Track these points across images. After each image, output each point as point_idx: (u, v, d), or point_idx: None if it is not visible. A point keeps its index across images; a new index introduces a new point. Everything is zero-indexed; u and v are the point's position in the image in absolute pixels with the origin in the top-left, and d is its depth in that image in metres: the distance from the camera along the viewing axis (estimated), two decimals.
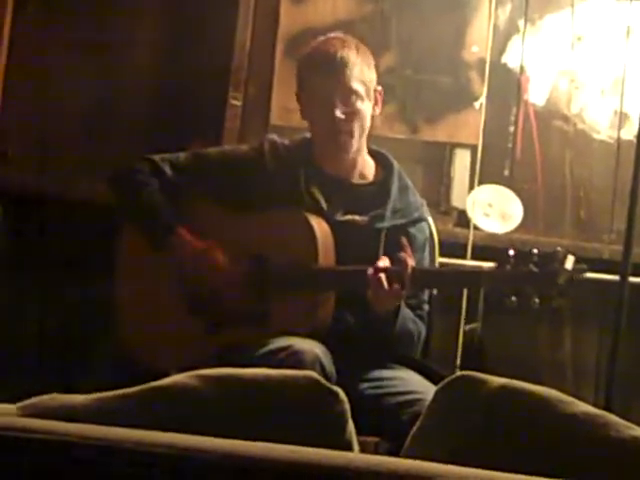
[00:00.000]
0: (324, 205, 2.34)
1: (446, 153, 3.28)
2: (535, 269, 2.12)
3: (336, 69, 2.29)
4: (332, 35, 2.41)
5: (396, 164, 2.43)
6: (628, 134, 3.21)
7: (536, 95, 3.26)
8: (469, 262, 3.02)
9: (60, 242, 3.13)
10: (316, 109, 2.32)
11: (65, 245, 3.12)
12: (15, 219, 3.12)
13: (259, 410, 1.13)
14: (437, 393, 1.20)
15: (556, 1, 3.26)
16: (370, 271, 2.18)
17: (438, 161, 3.29)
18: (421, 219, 2.40)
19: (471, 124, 3.21)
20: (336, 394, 1.14)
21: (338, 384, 1.19)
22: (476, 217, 3.11)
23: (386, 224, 2.33)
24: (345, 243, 2.30)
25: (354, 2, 3.24)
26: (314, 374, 1.16)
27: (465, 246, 3.07)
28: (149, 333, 2.38)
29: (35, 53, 3.24)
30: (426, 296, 2.39)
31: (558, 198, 3.26)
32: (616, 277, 2.85)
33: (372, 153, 2.43)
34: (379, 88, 2.37)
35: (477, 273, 2.27)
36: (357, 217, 2.34)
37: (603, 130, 3.26)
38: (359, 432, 1.19)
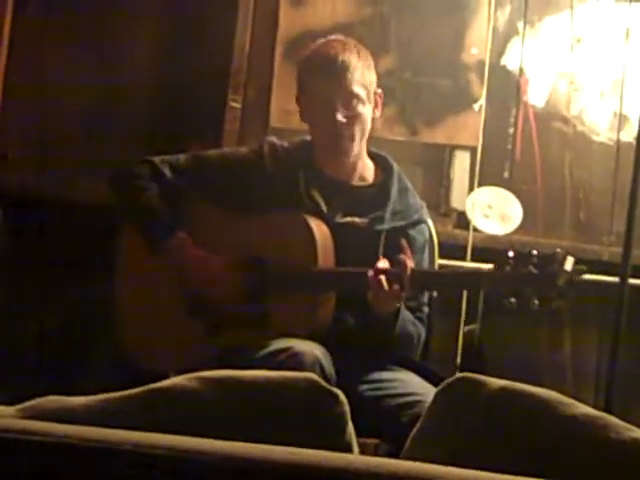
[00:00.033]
0: (324, 207, 2.34)
1: (446, 155, 3.28)
2: (535, 270, 2.12)
3: (337, 73, 2.29)
4: (332, 37, 2.40)
5: (396, 166, 2.43)
6: (628, 136, 3.21)
7: (535, 97, 3.26)
8: (469, 264, 3.02)
9: (60, 243, 3.13)
10: (317, 112, 2.32)
11: (65, 246, 3.12)
12: (15, 220, 3.12)
13: (259, 412, 1.13)
14: (437, 395, 1.20)
15: (555, 3, 3.26)
16: (370, 273, 2.18)
17: (438, 163, 3.29)
18: (421, 221, 2.40)
19: (471, 126, 3.21)
20: (336, 396, 1.14)
21: (338, 386, 1.19)
22: (476, 219, 3.12)
23: (386, 226, 2.33)
24: (345, 245, 2.30)
25: (353, 5, 3.24)
26: (314, 376, 1.16)
27: (465, 248, 3.07)
28: (148, 334, 2.38)
29: (35, 54, 3.25)
30: (426, 298, 2.39)
31: (558, 200, 3.26)
32: (616, 279, 2.85)
33: (372, 155, 2.43)
34: (379, 91, 2.37)
35: (477, 275, 2.27)
36: (357, 219, 2.34)
37: (603, 132, 3.26)
38: (359, 434, 1.19)
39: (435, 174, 3.29)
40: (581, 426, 1.12)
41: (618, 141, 3.22)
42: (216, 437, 1.03)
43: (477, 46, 3.23)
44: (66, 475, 0.98)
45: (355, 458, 1.04)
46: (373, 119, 2.36)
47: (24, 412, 1.11)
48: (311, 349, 2.12)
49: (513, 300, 2.14)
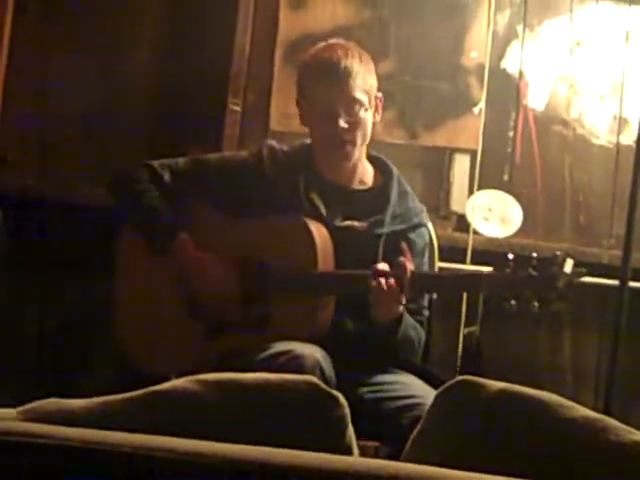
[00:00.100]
0: (323, 211, 2.34)
1: (445, 158, 3.28)
2: (534, 273, 2.13)
3: (340, 79, 2.28)
4: (333, 41, 2.40)
5: (395, 170, 2.43)
6: (627, 139, 3.21)
7: (535, 100, 3.27)
8: (469, 267, 3.02)
9: (60, 244, 3.13)
10: (318, 117, 2.32)
11: (65, 247, 3.13)
12: (15, 223, 3.12)
13: (259, 414, 1.13)
14: (437, 397, 1.20)
15: (555, 6, 3.27)
16: (370, 275, 2.19)
17: (437, 166, 3.29)
18: (420, 224, 2.41)
19: (470, 129, 3.21)
20: (336, 398, 1.14)
21: (338, 388, 1.20)
22: (475, 222, 3.12)
23: (385, 230, 2.33)
24: (344, 249, 2.30)
25: (353, 8, 3.24)
26: (314, 378, 1.16)
27: (465, 251, 3.07)
28: (148, 337, 2.38)
29: (35, 57, 3.25)
30: (426, 301, 2.39)
31: (557, 203, 3.26)
32: (615, 282, 2.85)
33: (371, 159, 2.44)
34: (379, 95, 2.37)
35: (477, 277, 2.27)
36: (356, 223, 2.35)
37: (602, 135, 3.27)
38: (359, 436, 1.19)
39: (435, 177, 3.29)
40: (581, 428, 1.12)
41: (618, 144, 3.22)
42: (216, 440, 1.03)
43: (477, 49, 3.23)
44: (66, 477, 0.98)
45: (355, 460, 1.04)
46: (374, 124, 2.37)
47: (25, 414, 1.11)
48: (311, 352, 2.12)
49: (513, 302, 2.14)
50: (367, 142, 2.36)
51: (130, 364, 2.39)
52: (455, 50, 3.24)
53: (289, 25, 3.23)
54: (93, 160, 3.20)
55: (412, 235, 2.36)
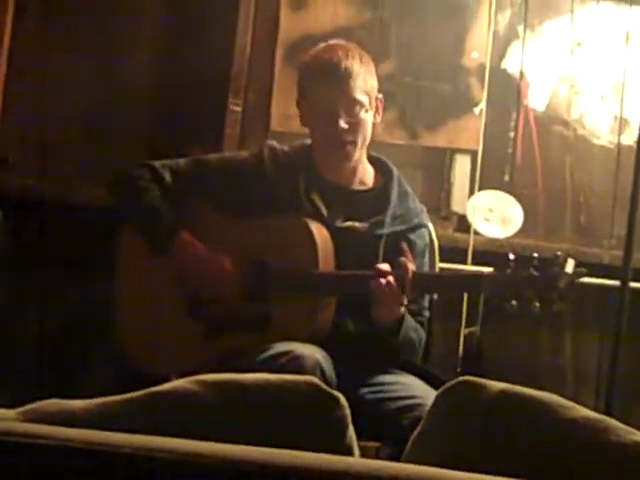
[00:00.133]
0: (324, 211, 2.34)
1: (446, 159, 3.28)
2: (535, 273, 2.13)
3: (340, 80, 2.28)
4: (334, 42, 2.40)
5: (395, 170, 2.43)
6: (628, 139, 3.21)
7: (536, 100, 3.27)
8: (469, 267, 3.02)
9: (60, 244, 3.13)
10: (319, 118, 2.32)
11: (65, 247, 3.13)
12: (16, 223, 3.12)
13: (260, 415, 1.13)
14: (438, 398, 1.20)
15: (555, 7, 3.27)
16: (371, 275, 2.19)
17: (438, 167, 3.29)
18: (421, 225, 2.41)
19: (471, 130, 3.21)
20: (337, 399, 1.14)
21: (339, 389, 1.20)
22: (476, 222, 3.12)
23: (386, 230, 2.33)
24: (345, 249, 2.30)
25: (354, 9, 3.24)
26: (315, 379, 1.16)
27: (465, 251, 3.07)
28: (149, 337, 2.38)
29: (35, 57, 3.25)
30: (426, 302, 2.39)
31: (558, 203, 3.26)
32: (616, 282, 2.85)
33: (372, 160, 2.44)
34: (380, 96, 2.37)
35: (477, 277, 2.27)
36: (357, 223, 2.35)
37: (603, 135, 3.26)
38: (359, 437, 1.19)
39: (436, 178, 3.29)
40: (581, 429, 1.12)
41: (619, 144, 3.23)
42: (217, 440, 1.03)
43: (477, 50, 3.23)
44: (67, 478, 0.98)
45: (356, 461, 1.04)
46: (374, 124, 2.37)
47: (25, 415, 1.11)
48: (312, 352, 2.12)
49: (514, 303, 2.14)
50: (367, 143, 2.36)
51: (130, 364, 2.39)
52: (456, 50, 3.24)
53: (290, 25, 3.23)
54: (93, 160, 3.20)
55: (412, 236, 2.36)
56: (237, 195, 2.37)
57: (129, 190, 2.39)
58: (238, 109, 3.20)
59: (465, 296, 3.02)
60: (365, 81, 2.31)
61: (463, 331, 3.05)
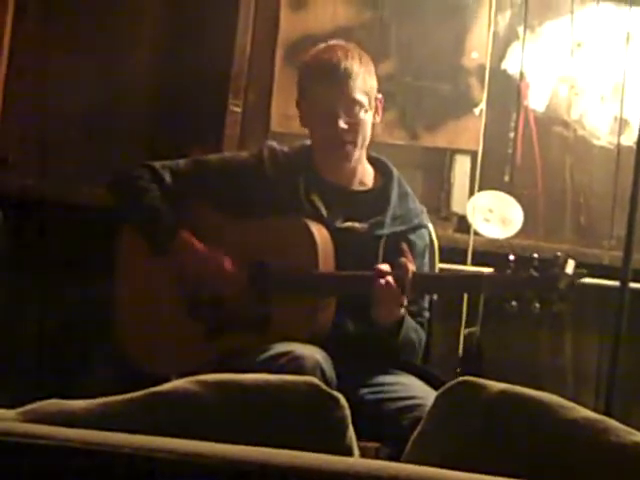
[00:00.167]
0: (324, 212, 2.34)
1: (446, 159, 3.28)
2: (535, 274, 2.13)
3: (340, 80, 2.29)
4: (334, 43, 2.40)
5: (395, 171, 2.43)
6: (628, 140, 3.22)
7: (536, 101, 3.27)
8: (469, 268, 3.02)
9: (60, 244, 3.13)
10: (318, 119, 2.32)
11: (65, 247, 3.13)
12: (16, 223, 3.12)
13: (259, 415, 1.13)
14: (437, 398, 1.20)
15: (556, 7, 3.27)
16: (371, 276, 2.19)
17: (438, 167, 3.29)
18: (421, 226, 2.41)
19: (471, 130, 3.21)
20: (337, 399, 1.14)
21: (338, 389, 1.19)
22: (476, 223, 3.12)
23: (386, 231, 2.33)
24: (345, 250, 2.30)
25: (354, 9, 3.24)
26: (315, 379, 1.16)
27: (465, 252, 3.07)
28: (149, 337, 2.38)
29: (35, 57, 3.25)
30: (426, 303, 2.39)
31: (558, 204, 3.26)
32: (616, 283, 2.85)
33: (371, 160, 2.44)
34: (379, 96, 2.38)
35: (478, 278, 2.27)
36: (357, 224, 2.35)
37: (603, 136, 3.27)
38: (359, 437, 1.19)
39: (436, 178, 3.29)
40: (581, 429, 1.12)
41: (619, 145, 3.23)
42: (217, 440, 1.03)
43: (477, 50, 3.23)
44: (67, 478, 0.98)
45: (356, 461, 1.04)
46: (373, 124, 2.37)
47: (25, 415, 1.11)
48: (312, 353, 2.12)
49: (514, 303, 2.14)
50: (367, 143, 2.36)
51: (130, 364, 2.39)
52: (456, 51, 3.24)
53: (290, 26, 3.23)
54: (93, 160, 3.20)
55: (412, 236, 2.36)
56: (237, 196, 2.37)
57: (129, 190, 2.39)
58: (238, 109, 3.19)
59: (465, 297, 3.02)
60: (364, 81, 2.31)
61: (463, 331, 3.05)
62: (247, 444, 1.03)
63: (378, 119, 2.39)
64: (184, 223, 2.36)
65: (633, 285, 2.86)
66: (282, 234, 2.32)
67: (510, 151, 3.25)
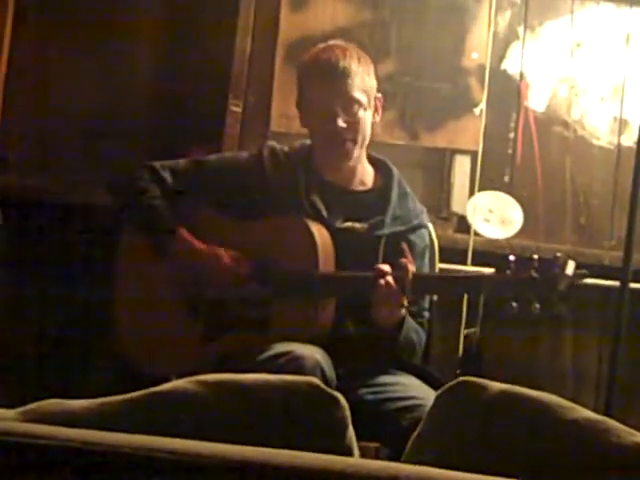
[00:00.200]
0: (324, 212, 2.34)
1: (446, 159, 3.28)
2: (535, 274, 2.13)
3: (338, 79, 2.29)
4: (333, 43, 2.41)
5: (396, 171, 2.43)
6: (628, 140, 3.22)
7: (536, 101, 3.27)
8: (469, 268, 3.02)
9: (60, 245, 3.13)
10: (317, 118, 2.33)
11: (65, 247, 3.13)
12: (16, 223, 3.12)
13: (259, 415, 1.13)
14: (437, 398, 1.20)
15: (555, 8, 3.27)
16: (371, 276, 2.19)
17: (438, 167, 3.29)
18: (421, 226, 2.41)
19: (471, 130, 3.21)
20: (336, 399, 1.14)
21: (338, 389, 1.19)
22: (476, 223, 3.12)
23: (386, 231, 2.33)
24: (345, 250, 2.30)
25: (354, 9, 3.24)
26: (314, 379, 1.16)
27: (465, 252, 3.07)
28: (149, 337, 2.38)
29: (35, 58, 3.25)
30: (427, 303, 2.39)
31: (558, 204, 3.26)
32: (616, 283, 2.85)
33: (372, 160, 2.44)
34: (379, 95, 2.38)
35: (478, 278, 2.27)
36: (357, 224, 2.35)
37: (603, 136, 3.27)
38: (359, 437, 1.19)
39: (436, 178, 3.29)
40: (582, 430, 1.12)
41: (619, 145, 3.23)
42: (216, 441, 1.03)
43: (477, 50, 3.23)
44: (67, 478, 0.98)
45: (355, 461, 1.04)
46: (373, 124, 2.37)
47: (25, 415, 1.11)
48: (312, 353, 2.12)
49: (514, 304, 2.14)
50: (367, 142, 2.36)
51: (130, 365, 2.39)
52: (456, 51, 3.24)
53: (290, 26, 3.23)
54: (93, 160, 3.20)
55: (412, 236, 2.36)
56: (237, 196, 2.37)
57: (129, 190, 2.39)
58: (238, 110, 3.19)
59: (465, 297, 3.02)
60: (363, 80, 2.31)
61: (463, 332, 3.05)
62: (247, 444, 1.03)
63: (378, 118, 2.39)
64: (184, 223, 2.36)
65: (633, 285, 2.86)
66: (282, 234, 2.32)
67: (510, 151, 3.25)
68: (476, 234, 3.11)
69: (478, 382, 1.17)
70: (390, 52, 3.23)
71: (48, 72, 3.25)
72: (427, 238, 2.43)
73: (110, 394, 1.16)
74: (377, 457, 2.32)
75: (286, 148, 2.42)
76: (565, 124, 3.26)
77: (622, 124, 3.23)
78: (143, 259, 2.38)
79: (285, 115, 3.14)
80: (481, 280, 2.23)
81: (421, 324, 2.34)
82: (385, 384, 2.24)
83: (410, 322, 2.28)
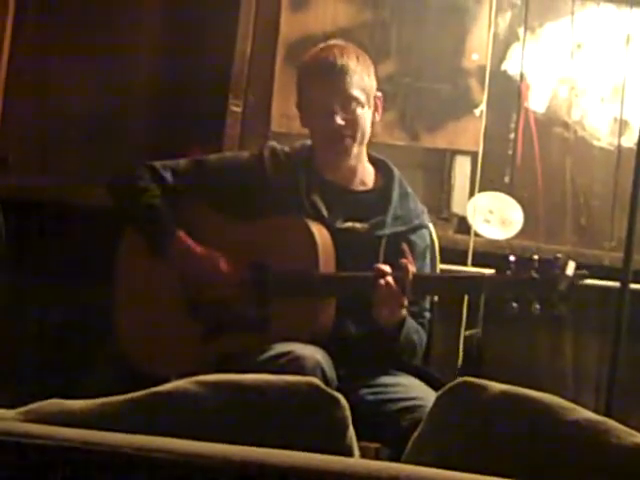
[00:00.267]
0: (325, 212, 2.34)
1: (446, 160, 3.28)
2: (536, 275, 2.13)
3: (336, 76, 2.29)
4: (332, 42, 2.42)
5: (396, 171, 2.43)
6: (628, 141, 3.22)
7: (536, 102, 3.27)
8: (470, 269, 3.02)
9: (60, 245, 3.13)
10: (316, 116, 2.33)
11: (65, 248, 3.13)
12: (16, 223, 3.12)
13: (260, 416, 1.13)
14: (438, 399, 1.20)
15: (556, 9, 3.27)
16: (372, 276, 2.19)
17: (438, 168, 3.29)
18: (422, 226, 2.41)
19: (471, 131, 3.21)
20: (337, 400, 1.14)
21: (339, 390, 1.19)
22: (476, 224, 3.12)
23: (386, 231, 2.33)
24: (345, 250, 2.30)
25: (354, 10, 3.24)
26: (315, 380, 1.16)
27: (465, 252, 3.07)
28: (149, 337, 2.38)
29: (35, 59, 3.25)
30: (428, 304, 2.39)
31: (558, 205, 3.26)
32: (616, 284, 2.85)
33: (372, 160, 2.44)
34: (379, 94, 2.38)
35: (478, 279, 2.27)
36: (357, 224, 2.35)
37: (603, 137, 3.26)
38: (360, 438, 1.19)
39: (436, 179, 3.29)
40: (582, 430, 1.12)
41: (619, 146, 3.23)
42: (216, 441, 1.03)
43: (478, 51, 3.23)
44: (67, 478, 0.98)
45: (356, 462, 1.04)
46: (373, 123, 2.37)
47: (25, 415, 1.11)
48: (312, 353, 2.12)
49: (514, 305, 2.14)
50: (366, 140, 2.36)
51: (130, 365, 2.39)
52: (456, 52, 3.24)
53: (290, 26, 3.23)
54: (93, 160, 3.20)
55: (413, 237, 2.36)
56: (238, 196, 2.37)
57: (129, 190, 2.39)
58: (238, 110, 3.19)
59: (465, 298, 3.02)
60: (362, 78, 2.32)
61: (464, 333, 3.05)
62: (247, 444, 1.03)
63: (378, 117, 2.39)
64: (185, 223, 2.36)
65: (633, 286, 2.86)
66: (283, 234, 2.32)
67: (510, 152, 3.25)
68: (476, 235, 3.11)
69: (478, 382, 1.17)
70: (390, 53, 3.23)
71: (48, 72, 3.25)
72: (428, 238, 2.43)
73: (110, 394, 1.16)
74: (377, 457, 2.32)
75: (287, 148, 2.42)
76: (565, 125, 3.26)
77: (622, 125, 3.23)
78: (143, 259, 2.38)
79: (286, 115, 3.15)
80: (481, 281, 2.23)
81: (422, 325, 2.34)
82: (386, 385, 2.24)
83: (411, 323, 2.27)
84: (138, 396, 1.14)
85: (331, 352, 2.18)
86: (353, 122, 2.30)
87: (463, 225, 3.19)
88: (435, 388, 2.16)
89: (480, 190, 3.17)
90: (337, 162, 2.36)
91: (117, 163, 3.04)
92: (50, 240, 3.15)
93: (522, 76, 3.24)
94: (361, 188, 2.40)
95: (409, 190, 2.43)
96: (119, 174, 2.48)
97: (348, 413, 1.14)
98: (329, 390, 1.15)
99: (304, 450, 1.02)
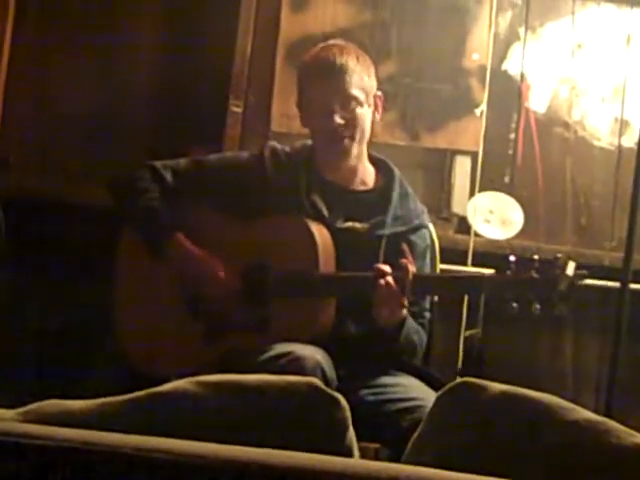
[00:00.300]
0: (325, 212, 2.34)
1: (447, 160, 3.28)
2: (536, 275, 2.13)
3: (335, 76, 2.30)
4: (332, 42, 2.42)
5: (397, 171, 2.43)
6: (629, 141, 3.22)
7: (537, 102, 3.27)
8: (470, 269, 3.02)
9: (60, 246, 3.13)
10: (316, 115, 2.33)
11: (65, 248, 3.13)
12: (16, 223, 3.12)
13: (259, 416, 1.13)
14: (438, 399, 1.20)
15: (556, 9, 3.26)
16: (372, 277, 2.18)
17: (439, 168, 3.29)
18: (422, 226, 2.41)
19: (472, 131, 3.21)
20: (337, 400, 1.14)
21: (339, 390, 1.19)
22: (477, 224, 3.12)
23: (387, 231, 2.33)
24: (345, 250, 2.30)
25: (354, 10, 3.24)
26: (315, 380, 1.16)
27: (466, 252, 3.07)
28: (149, 338, 2.38)
29: (35, 60, 3.25)
30: (428, 304, 2.39)
31: (559, 205, 3.26)
32: (617, 284, 2.85)
33: (373, 160, 2.44)
34: (379, 93, 2.38)
35: (478, 279, 2.27)
36: (358, 224, 2.34)
37: (604, 137, 3.26)
38: (359, 438, 1.19)
39: (436, 179, 3.29)
40: (582, 431, 1.12)
41: (619, 146, 3.23)
42: (216, 441, 1.03)
43: (478, 51, 3.23)
44: (66, 478, 0.98)
45: (355, 462, 1.04)
46: (373, 122, 2.37)
47: (25, 415, 1.11)
48: (312, 353, 2.12)
49: (515, 305, 2.14)
50: (366, 140, 2.36)
51: (130, 365, 2.39)
52: (456, 52, 3.24)
53: (290, 26, 3.23)
54: (93, 161, 3.20)
55: (413, 237, 2.36)
56: (238, 195, 2.37)
57: (128, 190, 2.40)
58: (239, 110, 3.19)
59: (465, 298, 3.02)
60: (361, 78, 2.32)
61: (464, 333, 3.05)
62: (247, 444, 1.03)
63: (378, 117, 2.39)
64: (185, 223, 2.36)
65: (633, 286, 2.86)
66: (283, 234, 2.32)
67: (511, 152, 3.25)
68: (476, 235, 3.11)
69: (478, 383, 1.17)
70: (391, 53, 3.23)
71: (48, 72, 3.25)
72: (428, 238, 2.43)
73: (110, 394, 1.16)
74: (377, 458, 2.32)
75: (287, 148, 2.42)
76: (566, 125, 3.26)
77: (623, 125, 3.23)
78: (143, 259, 2.38)
79: (286, 115, 3.14)
80: (482, 281, 2.23)
81: (422, 325, 2.34)
82: (386, 385, 2.24)
83: (411, 323, 2.27)
84: (138, 396, 1.14)
85: (331, 352, 2.18)
86: (352, 121, 2.30)
87: (463, 225, 3.19)
88: (435, 388, 2.16)
89: (480, 190, 3.17)
90: (337, 162, 2.36)
91: (117, 163, 3.04)
92: (50, 240, 3.15)
93: (523, 76, 3.24)
94: (361, 188, 2.40)
95: (409, 190, 2.43)
96: (119, 174, 2.48)
97: (348, 413, 1.14)
98: (329, 390, 1.15)
99: (304, 450, 1.02)
